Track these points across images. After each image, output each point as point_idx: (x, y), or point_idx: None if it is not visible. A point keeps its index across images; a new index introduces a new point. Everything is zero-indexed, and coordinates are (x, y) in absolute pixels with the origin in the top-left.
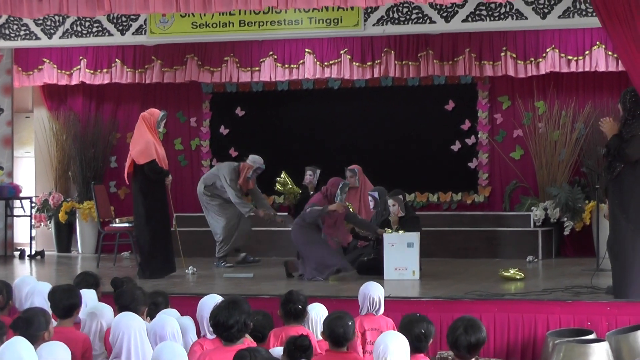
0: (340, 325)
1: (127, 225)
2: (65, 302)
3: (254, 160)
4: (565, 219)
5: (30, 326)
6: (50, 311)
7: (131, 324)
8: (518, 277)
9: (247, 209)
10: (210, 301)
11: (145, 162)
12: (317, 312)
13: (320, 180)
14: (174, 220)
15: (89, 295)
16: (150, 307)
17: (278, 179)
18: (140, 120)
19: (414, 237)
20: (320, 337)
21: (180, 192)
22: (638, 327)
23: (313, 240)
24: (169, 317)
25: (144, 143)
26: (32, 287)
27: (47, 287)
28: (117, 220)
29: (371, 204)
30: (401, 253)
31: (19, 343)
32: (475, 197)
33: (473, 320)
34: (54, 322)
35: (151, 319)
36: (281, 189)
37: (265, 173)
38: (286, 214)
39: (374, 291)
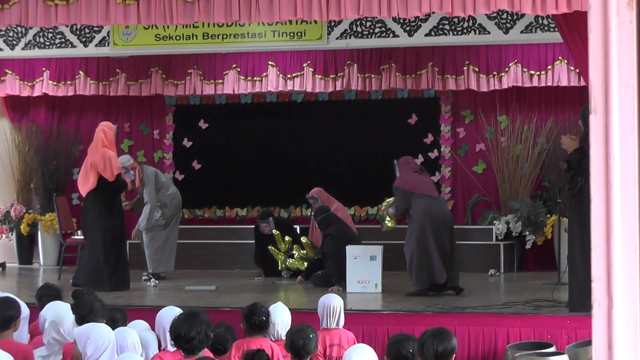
0: (301, 337)
1: None
2: (0, 313)
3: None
4: (527, 232)
5: None
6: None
7: (110, 335)
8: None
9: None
10: (169, 313)
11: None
12: (283, 317)
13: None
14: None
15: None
16: (107, 323)
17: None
18: (100, 133)
19: (377, 250)
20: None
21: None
22: None
23: None
24: (129, 329)
25: (113, 158)
26: None
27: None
28: (79, 232)
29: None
30: (364, 266)
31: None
32: None
33: (443, 329)
34: None
35: None
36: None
37: (222, 185)
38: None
39: (334, 301)
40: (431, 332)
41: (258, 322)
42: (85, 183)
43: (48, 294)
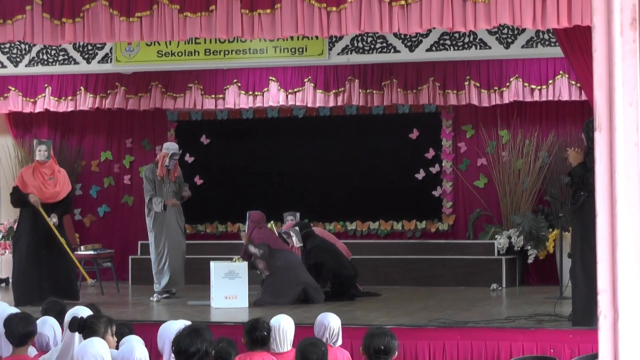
0: (314, 351)
1: (92, 252)
2: (20, 330)
3: (167, 147)
4: (529, 247)
5: None
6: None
7: (88, 350)
8: None
9: (158, 203)
10: (172, 327)
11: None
12: (284, 325)
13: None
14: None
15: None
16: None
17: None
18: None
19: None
20: (289, 348)
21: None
22: None
23: None
24: (138, 343)
25: (19, 174)
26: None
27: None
28: (82, 247)
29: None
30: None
31: None
32: (439, 225)
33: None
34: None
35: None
36: None
37: (224, 200)
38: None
39: (332, 321)
40: (371, 332)
41: (260, 337)
42: None
43: (53, 308)
